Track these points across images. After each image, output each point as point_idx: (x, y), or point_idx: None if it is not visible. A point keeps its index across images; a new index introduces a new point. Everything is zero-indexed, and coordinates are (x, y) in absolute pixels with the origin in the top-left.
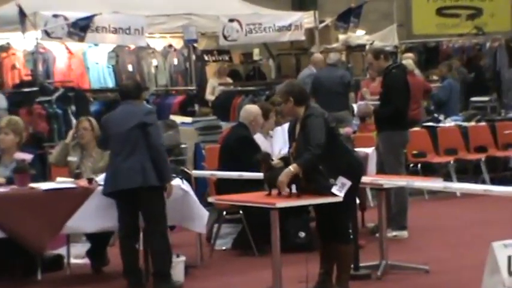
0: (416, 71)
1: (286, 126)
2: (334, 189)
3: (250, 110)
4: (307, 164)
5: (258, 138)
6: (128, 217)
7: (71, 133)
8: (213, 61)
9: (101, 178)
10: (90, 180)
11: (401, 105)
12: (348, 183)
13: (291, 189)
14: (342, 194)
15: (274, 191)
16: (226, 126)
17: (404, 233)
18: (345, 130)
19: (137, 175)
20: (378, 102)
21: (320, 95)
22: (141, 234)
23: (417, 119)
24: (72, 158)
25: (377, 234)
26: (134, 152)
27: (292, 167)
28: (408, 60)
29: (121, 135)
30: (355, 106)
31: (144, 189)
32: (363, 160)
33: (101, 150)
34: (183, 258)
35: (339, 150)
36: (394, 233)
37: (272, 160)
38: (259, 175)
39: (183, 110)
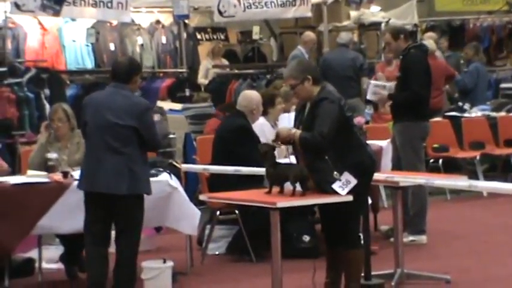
0: (438, 53)
1: (292, 114)
2: (335, 185)
3: (251, 96)
4: (305, 141)
5: (262, 125)
6: (100, 223)
7: (44, 129)
8: (207, 40)
9: (78, 172)
10: (65, 174)
11: (421, 91)
12: (354, 181)
13: (294, 187)
14: (343, 193)
15: (276, 189)
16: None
17: (422, 238)
18: (356, 120)
19: (123, 180)
20: (391, 84)
21: (329, 79)
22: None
23: (438, 107)
24: (52, 155)
25: (392, 239)
26: (122, 151)
27: (297, 134)
28: (429, 40)
29: (105, 126)
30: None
31: (127, 197)
32: (375, 154)
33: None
34: (170, 263)
35: (352, 144)
36: (411, 238)
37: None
38: (259, 170)
39: (172, 95)
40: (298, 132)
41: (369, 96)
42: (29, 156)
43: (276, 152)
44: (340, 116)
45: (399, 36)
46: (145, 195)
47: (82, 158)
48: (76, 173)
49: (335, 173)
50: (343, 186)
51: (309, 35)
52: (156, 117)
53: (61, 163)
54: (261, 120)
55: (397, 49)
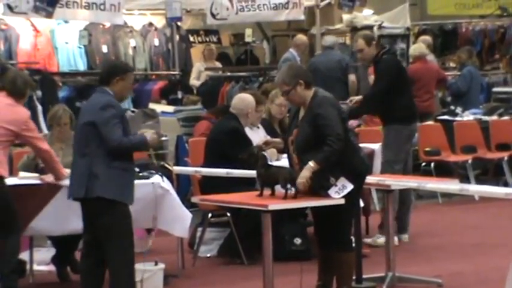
0: (431, 57)
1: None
2: (331, 191)
3: (247, 99)
4: (327, 160)
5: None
6: (86, 233)
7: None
8: (199, 42)
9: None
10: None
11: (382, 91)
12: (350, 186)
13: (287, 189)
14: (339, 197)
15: (267, 191)
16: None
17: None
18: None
19: (82, 183)
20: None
21: (317, 82)
22: None
23: (429, 111)
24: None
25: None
26: (85, 152)
27: (313, 164)
28: (419, 43)
29: (77, 129)
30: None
31: (91, 201)
32: (367, 157)
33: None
34: (162, 266)
35: (346, 148)
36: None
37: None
38: (250, 173)
39: (165, 97)
40: (313, 162)
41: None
42: (21, 157)
43: (267, 154)
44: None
45: (371, 42)
46: (137, 198)
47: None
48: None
49: (331, 178)
50: (339, 192)
51: (301, 38)
52: (151, 121)
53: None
54: None
55: (370, 55)
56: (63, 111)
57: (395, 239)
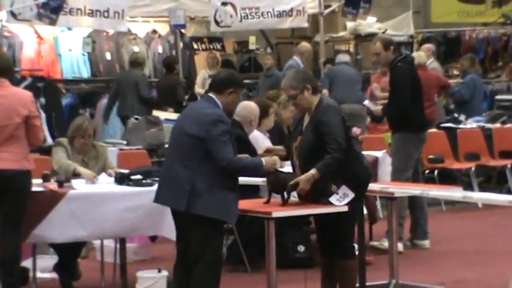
0: (435, 64)
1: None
2: (333, 199)
3: (251, 107)
4: (328, 168)
5: (257, 136)
6: (179, 241)
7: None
8: (203, 50)
9: (77, 181)
10: (60, 183)
11: (404, 104)
12: (351, 194)
13: (289, 196)
14: (340, 205)
15: (275, 199)
16: None
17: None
18: (352, 130)
19: (182, 197)
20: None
21: (338, 85)
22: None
23: (431, 118)
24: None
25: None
26: (187, 165)
27: (314, 172)
28: (419, 52)
29: (175, 134)
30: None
31: (190, 215)
32: (371, 165)
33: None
34: (165, 273)
35: (349, 156)
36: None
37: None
38: (254, 180)
39: (167, 105)
40: (314, 170)
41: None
42: None
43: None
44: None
45: (389, 47)
46: (140, 205)
47: (101, 171)
48: (75, 182)
49: (333, 186)
50: (341, 200)
51: (305, 45)
52: (154, 128)
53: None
54: (255, 131)
55: (386, 60)
56: (89, 123)
57: (400, 245)
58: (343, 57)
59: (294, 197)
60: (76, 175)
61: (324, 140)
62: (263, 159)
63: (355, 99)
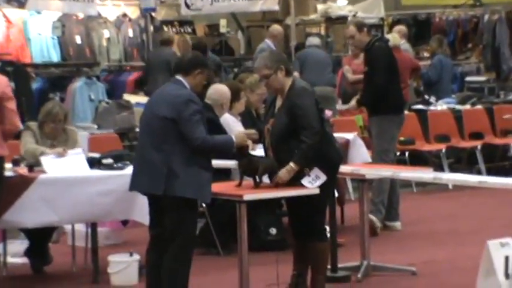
0: (406, 46)
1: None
2: (305, 181)
3: (222, 90)
4: (305, 157)
5: (228, 119)
6: (153, 226)
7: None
8: (174, 33)
9: (45, 163)
10: (30, 168)
11: (384, 84)
12: (323, 177)
13: (261, 180)
14: (313, 187)
15: (247, 181)
16: None
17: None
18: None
19: (159, 180)
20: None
21: (309, 67)
22: None
23: (405, 100)
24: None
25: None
26: (161, 149)
27: (293, 164)
28: (393, 33)
29: (146, 120)
30: None
31: (167, 198)
32: (342, 147)
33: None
34: (137, 257)
35: (322, 138)
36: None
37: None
38: (226, 163)
39: (139, 88)
40: (293, 163)
41: (338, 107)
42: None
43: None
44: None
45: (363, 29)
46: (112, 189)
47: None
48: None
49: (305, 168)
50: (313, 182)
51: (277, 28)
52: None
53: None
54: (226, 114)
55: (360, 42)
56: (60, 108)
57: (398, 223)
58: (314, 40)
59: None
60: None
61: (297, 123)
62: (233, 135)
63: (326, 82)
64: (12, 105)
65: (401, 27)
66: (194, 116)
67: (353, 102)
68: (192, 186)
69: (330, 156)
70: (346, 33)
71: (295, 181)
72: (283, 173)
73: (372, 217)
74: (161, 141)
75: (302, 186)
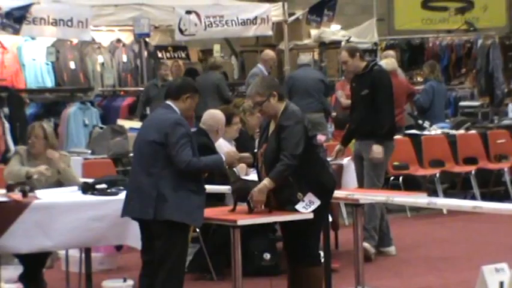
0: (399, 71)
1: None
2: (299, 206)
3: (217, 115)
4: (280, 176)
5: (222, 144)
6: (145, 252)
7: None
8: (168, 58)
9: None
10: (24, 193)
11: (392, 103)
12: (317, 202)
13: (250, 204)
14: (307, 212)
15: (241, 206)
16: None
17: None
18: (317, 137)
19: (149, 205)
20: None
21: (295, 94)
22: None
23: (400, 125)
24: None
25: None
26: (150, 173)
27: (267, 182)
28: (390, 58)
29: (139, 145)
30: None
31: (157, 223)
32: (336, 172)
33: (50, 159)
34: (131, 282)
35: (314, 164)
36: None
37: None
38: (220, 188)
39: (133, 113)
40: (267, 180)
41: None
42: None
43: (236, 170)
44: (305, 137)
45: (355, 54)
46: (105, 214)
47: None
48: (39, 192)
49: (299, 193)
50: (306, 207)
51: (269, 53)
52: (119, 137)
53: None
54: (220, 139)
55: (354, 67)
56: (39, 125)
57: (393, 248)
58: (305, 58)
59: None
60: (29, 178)
61: (281, 144)
62: (222, 154)
63: (315, 108)
64: None
65: (390, 52)
66: (181, 139)
67: (348, 101)
68: (180, 210)
69: (324, 181)
70: (340, 59)
71: (289, 206)
72: (256, 194)
73: (366, 244)
74: (150, 165)
75: (296, 211)
